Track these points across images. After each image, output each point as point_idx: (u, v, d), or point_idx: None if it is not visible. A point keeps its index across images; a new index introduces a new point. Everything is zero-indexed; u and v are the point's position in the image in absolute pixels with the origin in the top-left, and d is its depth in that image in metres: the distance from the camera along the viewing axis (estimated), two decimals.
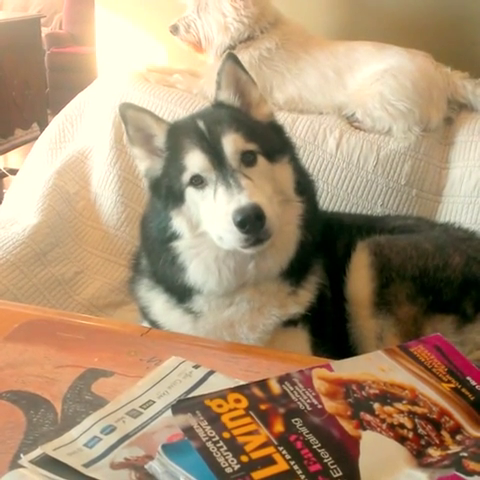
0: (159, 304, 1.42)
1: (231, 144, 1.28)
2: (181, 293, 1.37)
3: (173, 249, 1.34)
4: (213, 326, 1.35)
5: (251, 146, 1.30)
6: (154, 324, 1.42)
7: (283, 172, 1.36)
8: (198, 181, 1.29)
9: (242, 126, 1.31)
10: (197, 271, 1.33)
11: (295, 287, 1.39)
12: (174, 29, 2.31)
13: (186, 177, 1.30)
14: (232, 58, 1.39)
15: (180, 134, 1.35)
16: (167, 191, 1.35)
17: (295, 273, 1.38)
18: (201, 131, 1.32)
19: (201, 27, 2.26)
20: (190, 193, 1.31)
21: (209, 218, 1.29)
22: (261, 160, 1.31)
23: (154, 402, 0.91)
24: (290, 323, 1.38)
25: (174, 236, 1.34)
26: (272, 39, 2.23)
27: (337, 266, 1.51)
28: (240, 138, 1.29)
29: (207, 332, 1.34)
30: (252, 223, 1.19)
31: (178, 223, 1.33)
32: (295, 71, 2.24)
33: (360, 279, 1.50)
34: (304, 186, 1.40)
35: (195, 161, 1.29)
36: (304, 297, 1.40)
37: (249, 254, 1.29)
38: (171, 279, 1.37)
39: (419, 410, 0.86)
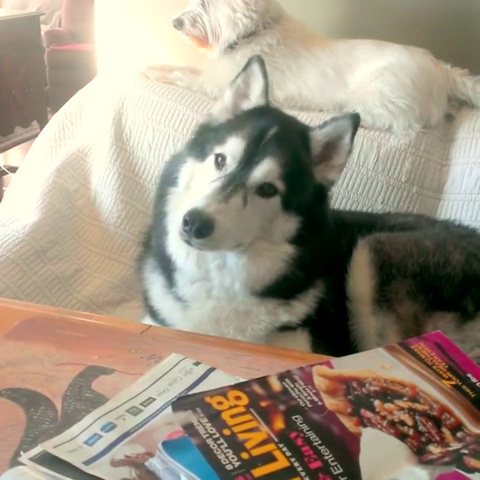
0: (157, 288, 1.43)
1: (265, 169, 1.27)
2: (165, 266, 1.38)
3: (166, 201, 1.37)
4: (199, 319, 1.34)
5: (279, 184, 1.28)
6: (151, 309, 1.43)
7: (282, 224, 1.31)
8: (222, 161, 1.31)
9: (291, 167, 1.29)
10: (173, 242, 1.34)
11: (286, 300, 1.36)
12: (178, 23, 2.25)
13: (217, 150, 1.32)
14: (356, 119, 1.35)
15: (255, 119, 1.36)
16: (203, 141, 1.38)
17: (281, 294, 1.34)
18: (263, 136, 1.31)
19: (208, 21, 2.22)
20: (209, 162, 1.33)
21: (196, 190, 1.30)
22: (275, 200, 1.29)
23: (154, 399, 0.91)
24: (287, 328, 1.36)
25: (174, 182, 1.37)
26: (274, 35, 2.22)
27: (338, 264, 1.50)
28: (277, 173, 1.27)
29: (194, 325, 1.33)
30: (190, 228, 1.18)
31: (184, 171, 1.37)
32: (295, 69, 2.23)
33: (360, 276, 1.49)
34: (305, 241, 1.32)
35: (233, 148, 1.30)
36: (299, 309, 1.36)
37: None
38: (158, 241, 1.39)
39: (420, 407, 0.86)
